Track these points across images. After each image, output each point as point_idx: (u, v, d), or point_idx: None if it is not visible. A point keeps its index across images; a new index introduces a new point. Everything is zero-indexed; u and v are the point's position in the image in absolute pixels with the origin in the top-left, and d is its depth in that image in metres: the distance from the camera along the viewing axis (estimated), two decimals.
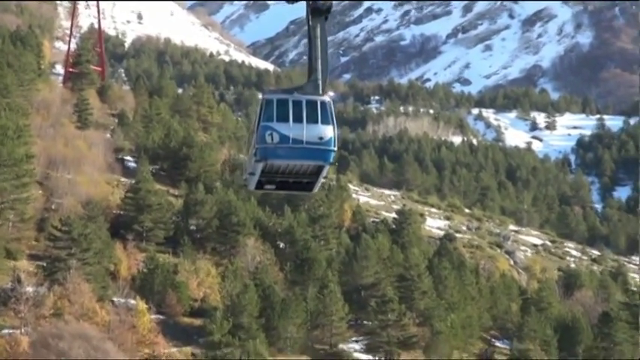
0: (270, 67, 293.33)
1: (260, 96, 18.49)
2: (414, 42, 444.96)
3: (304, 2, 15.98)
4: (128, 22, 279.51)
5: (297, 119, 15.52)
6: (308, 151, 15.60)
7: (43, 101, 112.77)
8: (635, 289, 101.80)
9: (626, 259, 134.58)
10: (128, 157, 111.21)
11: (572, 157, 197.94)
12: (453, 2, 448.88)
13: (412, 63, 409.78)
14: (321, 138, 15.61)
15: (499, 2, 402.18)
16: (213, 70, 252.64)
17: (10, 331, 73.16)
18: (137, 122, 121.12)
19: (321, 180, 16.66)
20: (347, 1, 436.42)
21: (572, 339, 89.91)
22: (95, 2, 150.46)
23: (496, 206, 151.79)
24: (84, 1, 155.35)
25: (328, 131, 15.63)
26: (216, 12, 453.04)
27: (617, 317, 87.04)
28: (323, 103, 15.78)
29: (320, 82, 15.80)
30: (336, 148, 15.95)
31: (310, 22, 15.80)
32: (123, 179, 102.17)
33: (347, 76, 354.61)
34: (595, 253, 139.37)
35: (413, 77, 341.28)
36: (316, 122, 15.61)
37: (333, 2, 16.25)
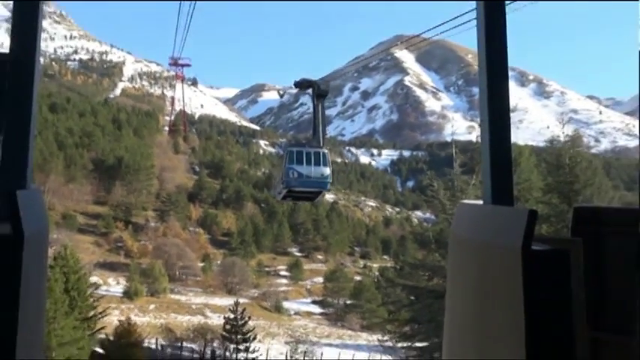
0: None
1: (287, 148, 21.66)
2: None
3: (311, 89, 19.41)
4: (198, 107, 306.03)
5: (308, 163, 19.52)
6: (314, 182, 19.64)
7: (159, 141, 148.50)
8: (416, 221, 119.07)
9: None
10: (195, 167, 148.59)
11: (389, 168, 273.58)
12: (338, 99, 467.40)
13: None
14: (322, 175, 19.66)
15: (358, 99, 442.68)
16: (231, 127, 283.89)
17: (143, 242, 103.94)
18: (199, 151, 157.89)
19: (320, 196, 21.35)
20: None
21: (389, 248, 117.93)
22: (181, 97, 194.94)
23: (356, 189, 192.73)
24: (176, 97, 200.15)
25: (327, 171, 19.66)
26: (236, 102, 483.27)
27: (410, 236, 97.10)
28: (324, 153, 19.69)
29: (321, 140, 19.66)
30: (331, 181, 20.18)
31: (314, 102, 19.36)
32: (193, 176, 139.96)
33: None
34: (396, 210, 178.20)
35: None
36: (319, 165, 19.66)
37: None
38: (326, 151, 20.12)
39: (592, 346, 8.89)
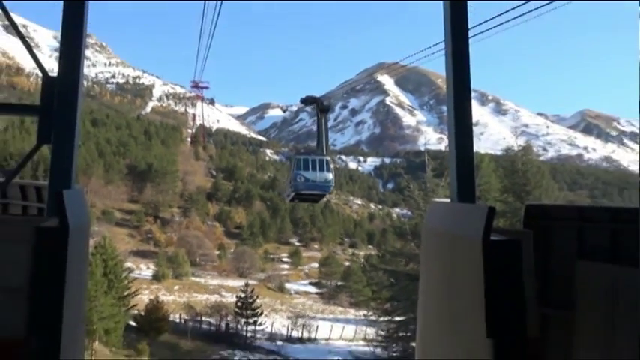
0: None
1: (295, 156, 20.51)
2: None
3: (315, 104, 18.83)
4: (215, 122, 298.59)
5: (313, 169, 18.85)
6: (319, 186, 19.04)
7: (182, 150, 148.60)
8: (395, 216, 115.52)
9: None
10: (212, 171, 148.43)
11: (373, 172, 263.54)
12: (330, 115, 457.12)
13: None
14: (326, 180, 18.99)
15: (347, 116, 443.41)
16: (242, 138, 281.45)
17: (169, 233, 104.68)
18: (215, 159, 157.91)
19: (324, 198, 20.97)
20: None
21: (373, 239, 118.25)
22: (201, 113, 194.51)
23: (345, 190, 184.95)
24: (197, 114, 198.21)
25: (330, 176, 19.01)
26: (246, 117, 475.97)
27: (390, 229, 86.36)
28: (327, 161, 19.00)
29: (324, 149, 19.08)
30: (333, 185, 19.65)
31: (318, 116, 18.88)
32: (211, 179, 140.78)
33: None
34: (379, 207, 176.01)
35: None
36: (323, 171, 18.95)
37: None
38: (329, 158, 19.60)
39: (540, 319, 8.95)
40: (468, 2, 9.91)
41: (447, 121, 10.49)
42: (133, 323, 55.03)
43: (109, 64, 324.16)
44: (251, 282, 75.70)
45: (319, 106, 19.00)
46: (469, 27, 9.85)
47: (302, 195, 19.86)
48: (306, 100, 19.93)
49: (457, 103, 9.67)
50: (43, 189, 12.25)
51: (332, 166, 19.53)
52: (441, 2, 9.99)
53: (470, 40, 9.66)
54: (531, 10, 10.89)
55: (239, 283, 75.88)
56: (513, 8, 11.15)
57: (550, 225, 11.21)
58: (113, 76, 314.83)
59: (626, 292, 10.62)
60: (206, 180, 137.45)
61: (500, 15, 11.46)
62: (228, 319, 64.88)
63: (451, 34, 9.69)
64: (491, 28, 11.60)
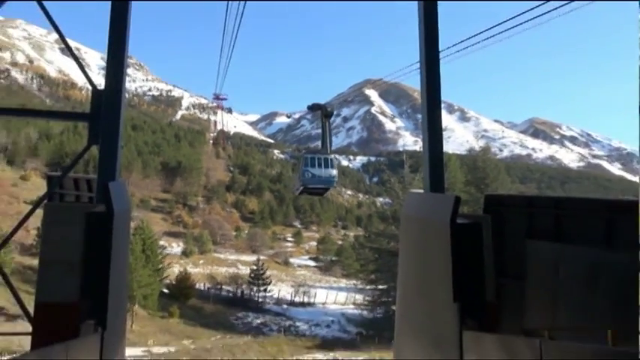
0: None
1: (303, 155, 19.14)
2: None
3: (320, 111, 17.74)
4: (232, 127, 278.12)
5: (319, 166, 17.63)
6: (324, 181, 17.70)
7: (206, 150, 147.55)
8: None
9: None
10: (230, 167, 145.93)
11: (361, 169, 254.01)
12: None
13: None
14: (330, 175, 17.70)
15: (340, 122, 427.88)
16: (254, 141, 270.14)
17: (195, 218, 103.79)
18: (233, 157, 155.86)
19: (328, 191, 18.85)
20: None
21: (361, 222, 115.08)
22: (221, 120, 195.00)
23: (338, 182, 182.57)
24: (217, 121, 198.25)
25: (334, 172, 17.74)
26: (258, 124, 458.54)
27: (375, 214, 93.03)
28: (331, 159, 17.82)
29: (328, 149, 17.85)
30: (337, 179, 18.22)
31: (323, 120, 17.69)
32: (229, 174, 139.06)
33: None
34: (366, 197, 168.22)
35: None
36: (327, 167, 17.68)
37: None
38: (332, 156, 18.56)
39: (497, 287, 9.01)
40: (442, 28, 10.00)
41: (421, 127, 10.71)
42: (165, 290, 55.15)
43: (146, 80, 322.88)
44: (262, 257, 75.95)
45: (324, 111, 18.30)
46: (440, 50, 10.01)
47: (309, 189, 18.84)
48: (313, 107, 19.15)
49: (430, 112, 9.87)
50: (92, 181, 12.38)
51: (336, 163, 18.57)
52: (416, 28, 10.16)
53: (441, 61, 9.82)
54: (489, 37, 10.96)
55: (252, 258, 75.85)
56: (474, 35, 11.22)
57: (505, 211, 11.34)
58: (149, 90, 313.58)
59: (566, 265, 10.73)
60: (225, 174, 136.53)
61: (464, 40, 11.53)
62: (243, 287, 64.90)
63: (425, 59, 9.87)
64: (457, 51, 11.64)
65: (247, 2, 13.38)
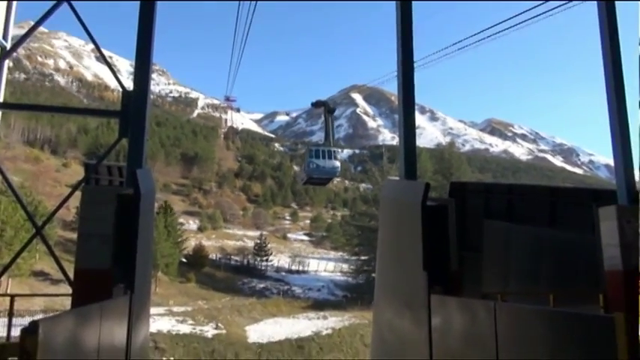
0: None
1: (308, 147, 18.36)
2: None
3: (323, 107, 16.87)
4: (240, 124, 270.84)
5: (323, 157, 16.80)
6: (327, 171, 16.84)
7: (218, 143, 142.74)
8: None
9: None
10: (239, 158, 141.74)
11: (347, 159, 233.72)
12: (318, 121, 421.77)
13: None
14: (333, 166, 16.88)
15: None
16: (259, 136, 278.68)
17: (209, 200, 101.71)
18: (241, 149, 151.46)
19: (330, 181, 17.97)
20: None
21: (347, 204, 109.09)
22: (231, 118, 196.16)
23: None
24: (228, 119, 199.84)
25: (336, 163, 16.96)
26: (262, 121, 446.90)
27: (358, 198, 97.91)
28: (334, 151, 16.93)
29: (331, 142, 17.25)
30: (339, 170, 17.22)
31: (326, 116, 17.01)
32: (237, 163, 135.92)
33: None
34: (352, 183, 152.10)
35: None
36: (330, 159, 16.88)
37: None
38: (335, 149, 17.69)
39: (460, 258, 9.03)
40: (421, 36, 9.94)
41: (398, 125, 10.75)
42: (184, 260, 54.98)
43: (168, 84, 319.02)
44: (264, 233, 75.68)
45: (327, 108, 17.49)
46: (414, 60, 10.00)
47: (314, 179, 17.78)
48: (317, 104, 18.25)
49: (405, 112, 9.93)
50: (122, 168, 12.46)
51: (338, 155, 17.69)
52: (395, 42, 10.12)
53: (415, 69, 9.85)
54: (459, 48, 10.96)
55: (256, 233, 75.44)
56: (446, 47, 11.22)
57: (466, 195, 11.51)
58: (170, 92, 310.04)
59: (516, 241, 10.92)
60: (234, 164, 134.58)
61: (437, 52, 11.52)
62: (249, 257, 64.67)
63: (402, 68, 9.88)
64: (428, 62, 11.62)
65: (256, 16, 13.17)
